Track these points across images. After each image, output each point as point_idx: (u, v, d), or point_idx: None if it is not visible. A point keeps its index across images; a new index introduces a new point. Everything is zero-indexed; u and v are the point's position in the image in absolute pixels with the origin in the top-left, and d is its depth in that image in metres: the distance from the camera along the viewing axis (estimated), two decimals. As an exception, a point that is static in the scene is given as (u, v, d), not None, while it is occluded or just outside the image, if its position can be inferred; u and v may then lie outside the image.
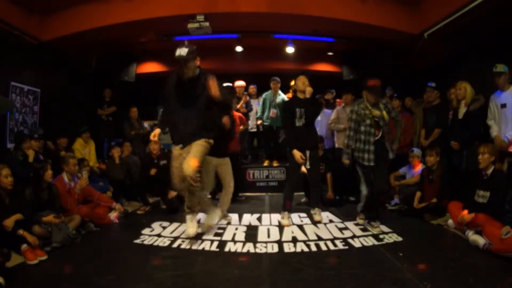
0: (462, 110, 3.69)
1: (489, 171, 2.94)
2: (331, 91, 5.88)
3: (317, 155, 3.60)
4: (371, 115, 3.13)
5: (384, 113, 3.15)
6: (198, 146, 2.77)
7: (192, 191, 2.79)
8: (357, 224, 3.38)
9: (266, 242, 2.91)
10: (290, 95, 4.78)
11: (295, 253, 2.69)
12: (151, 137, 2.97)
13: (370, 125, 3.15)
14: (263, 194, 5.23)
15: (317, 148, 3.67)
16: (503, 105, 3.34)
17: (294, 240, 2.95)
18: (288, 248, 2.78)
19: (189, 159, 2.67)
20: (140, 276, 2.26)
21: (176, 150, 2.91)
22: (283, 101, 4.99)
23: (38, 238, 2.65)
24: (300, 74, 3.55)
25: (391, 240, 2.93)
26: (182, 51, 2.68)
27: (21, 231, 2.57)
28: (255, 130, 5.68)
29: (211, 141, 2.88)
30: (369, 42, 5.46)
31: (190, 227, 2.89)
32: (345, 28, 4.82)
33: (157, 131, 2.96)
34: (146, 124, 5.98)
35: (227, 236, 3.11)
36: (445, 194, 3.54)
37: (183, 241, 2.96)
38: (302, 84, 3.46)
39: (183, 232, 3.20)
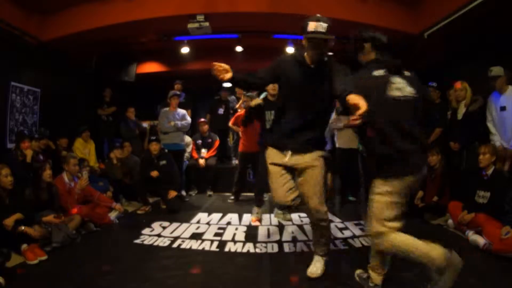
0: (462, 111, 3.69)
1: (490, 171, 2.94)
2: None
3: None
4: None
5: None
6: (318, 176, 2.09)
7: (324, 226, 2.19)
8: (357, 224, 3.39)
9: (266, 242, 2.91)
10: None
11: (295, 253, 2.69)
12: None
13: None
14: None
15: None
16: (503, 108, 3.30)
17: (294, 240, 2.96)
18: (288, 248, 2.79)
19: (318, 203, 2.08)
20: (140, 276, 2.26)
21: (276, 156, 2.16)
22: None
23: (38, 238, 2.65)
24: None
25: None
26: (320, 26, 2.00)
27: (22, 227, 2.58)
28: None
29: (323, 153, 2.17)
30: (369, 42, 5.45)
31: (319, 267, 2.23)
32: (345, 28, 4.81)
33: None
34: (146, 124, 5.99)
35: (227, 236, 3.11)
36: (446, 192, 3.55)
37: (183, 241, 2.96)
38: (272, 88, 3.36)
39: (184, 232, 3.21)
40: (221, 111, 5.95)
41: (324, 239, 2.24)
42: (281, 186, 2.13)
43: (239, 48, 5.81)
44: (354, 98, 1.65)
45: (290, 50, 5.86)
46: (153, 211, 4.16)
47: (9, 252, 2.43)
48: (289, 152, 2.12)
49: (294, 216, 3.70)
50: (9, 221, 2.54)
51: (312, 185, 2.10)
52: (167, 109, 4.89)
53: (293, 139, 2.12)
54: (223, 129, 5.76)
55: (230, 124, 4.86)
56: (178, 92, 5.15)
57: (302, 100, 2.10)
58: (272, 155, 2.19)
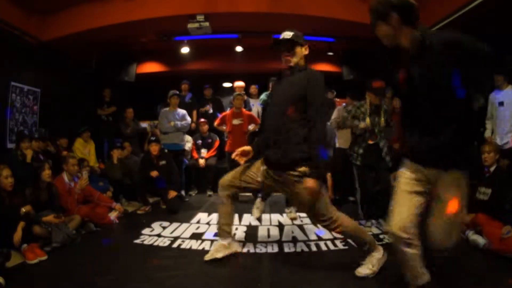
0: (462, 110, 3.75)
1: (492, 168, 2.95)
2: (332, 91, 5.88)
3: None
4: (367, 121, 3.16)
5: (382, 120, 3.18)
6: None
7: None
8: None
9: (266, 242, 2.91)
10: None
11: (295, 253, 2.69)
12: None
13: (364, 130, 3.17)
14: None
15: None
16: (501, 103, 3.47)
17: (294, 240, 2.96)
18: (288, 248, 2.79)
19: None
20: (140, 276, 2.26)
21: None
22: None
23: (38, 239, 2.65)
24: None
25: (391, 240, 2.92)
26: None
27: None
28: (256, 129, 5.68)
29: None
30: (369, 42, 5.45)
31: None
32: (345, 28, 4.82)
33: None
34: (145, 124, 5.99)
35: (227, 236, 3.10)
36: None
37: (183, 241, 2.96)
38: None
39: (184, 232, 3.22)
40: (209, 110, 5.89)
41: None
42: None
43: (239, 48, 5.81)
44: None
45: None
46: (153, 211, 4.16)
47: (9, 252, 2.43)
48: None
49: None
50: (18, 235, 2.58)
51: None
52: (167, 109, 4.89)
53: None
54: (214, 129, 5.72)
55: (215, 124, 4.85)
56: (177, 92, 5.15)
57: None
58: None
